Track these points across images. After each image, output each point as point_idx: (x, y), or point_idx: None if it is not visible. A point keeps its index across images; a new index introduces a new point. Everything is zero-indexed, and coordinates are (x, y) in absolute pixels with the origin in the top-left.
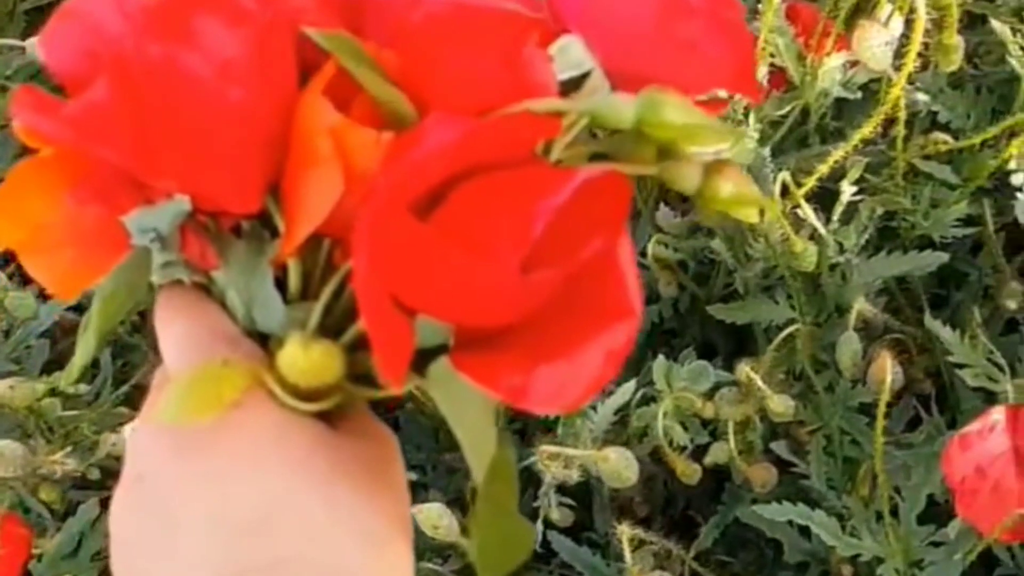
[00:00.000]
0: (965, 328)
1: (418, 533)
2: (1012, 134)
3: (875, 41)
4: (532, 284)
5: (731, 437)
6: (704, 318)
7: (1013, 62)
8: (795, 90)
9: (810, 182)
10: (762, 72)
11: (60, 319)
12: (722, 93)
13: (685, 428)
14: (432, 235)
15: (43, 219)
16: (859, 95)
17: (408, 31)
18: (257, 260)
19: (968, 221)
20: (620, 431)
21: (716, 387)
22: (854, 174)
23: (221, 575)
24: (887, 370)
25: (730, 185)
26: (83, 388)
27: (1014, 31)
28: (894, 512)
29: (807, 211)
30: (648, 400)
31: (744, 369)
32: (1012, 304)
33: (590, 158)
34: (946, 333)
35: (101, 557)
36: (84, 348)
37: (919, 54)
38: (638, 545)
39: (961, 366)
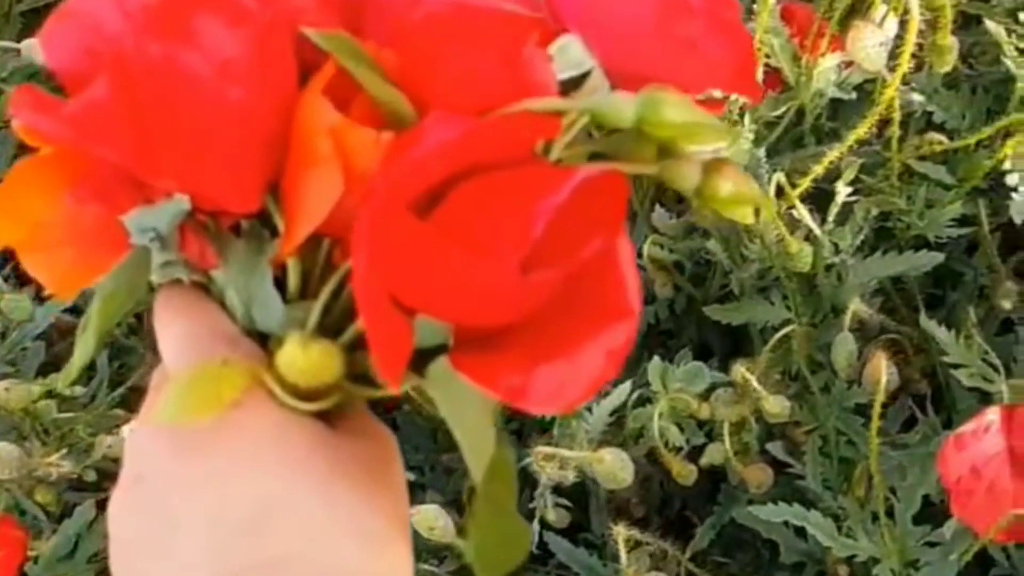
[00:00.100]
0: (961, 328)
1: (414, 534)
2: (1007, 134)
3: (869, 42)
4: (532, 284)
5: (727, 438)
6: (700, 319)
7: (1008, 62)
8: (790, 91)
9: (805, 183)
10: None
11: (56, 321)
12: (719, 93)
13: (681, 429)
14: (432, 234)
15: (42, 218)
16: (854, 96)
17: (408, 30)
18: (256, 259)
19: (963, 221)
20: (616, 432)
21: (712, 388)
22: (849, 175)
23: (220, 574)
24: (882, 371)
25: (729, 184)
26: (79, 390)
27: (1009, 31)
28: (890, 512)
29: (802, 212)
30: (644, 401)
31: (739, 370)
32: (1007, 304)
33: (589, 157)
34: (941, 333)
35: (97, 559)
36: (84, 348)
37: (914, 55)
38: (634, 546)
39: (956, 366)
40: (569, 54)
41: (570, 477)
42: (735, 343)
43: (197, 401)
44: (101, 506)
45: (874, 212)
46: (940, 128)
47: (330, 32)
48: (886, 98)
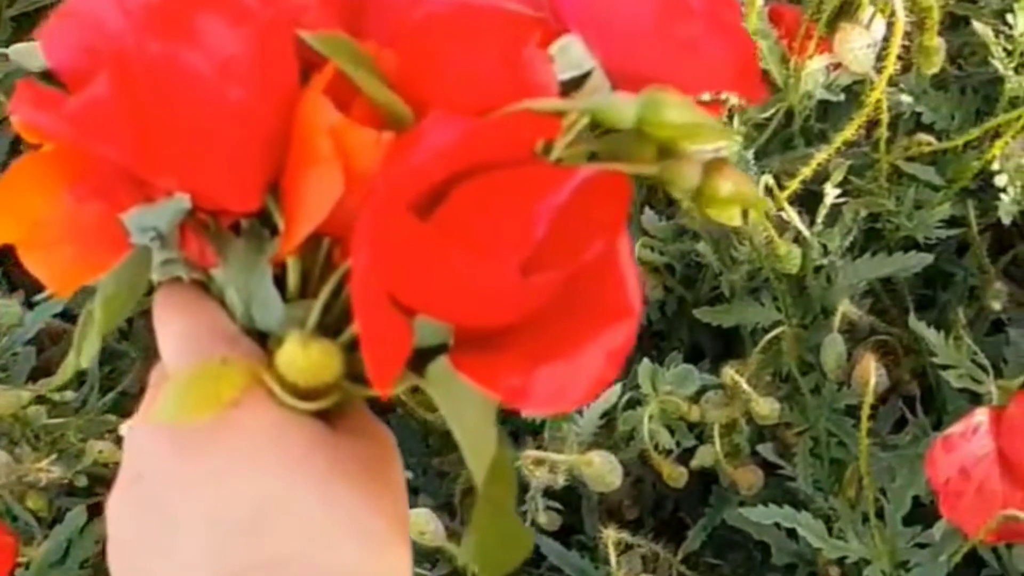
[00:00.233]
0: (951, 329)
1: None
2: (996, 135)
3: (856, 43)
4: (533, 285)
5: (717, 440)
6: (691, 321)
7: (996, 63)
8: (779, 92)
9: (793, 184)
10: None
11: (47, 326)
12: (721, 94)
13: (671, 431)
14: (432, 235)
15: (42, 215)
16: (843, 97)
17: (409, 30)
18: (256, 258)
19: (952, 222)
20: (606, 435)
21: (702, 390)
22: (837, 176)
23: (219, 574)
24: (871, 372)
25: (729, 184)
26: (70, 395)
27: (996, 32)
28: (880, 514)
29: (791, 214)
30: (634, 403)
31: (729, 372)
32: (997, 305)
33: (590, 157)
34: (930, 334)
35: (89, 564)
36: (87, 348)
37: (903, 56)
38: (625, 548)
39: (946, 367)
40: (570, 54)
41: (560, 480)
42: (726, 345)
43: (196, 400)
44: (92, 511)
45: (863, 213)
46: (929, 129)
47: (328, 34)
48: (872, 100)
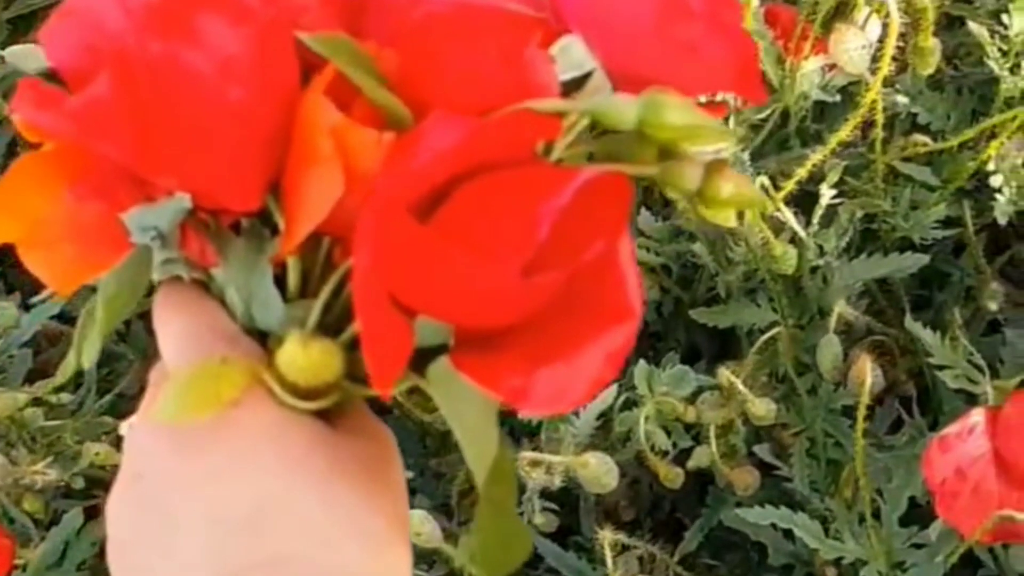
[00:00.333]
0: (947, 330)
1: None
2: (991, 135)
3: (852, 44)
4: (534, 286)
5: (713, 441)
6: (688, 321)
7: (991, 64)
8: (775, 93)
9: (789, 185)
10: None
11: (44, 328)
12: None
13: (668, 432)
14: (433, 236)
15: (42, 214)
16: (838, 98)
17: (409, 30)
18: (257, 258)
19: (948, 222)
20: (603, 436)
21: (698, 391)
22: (833, 177)
23: (219, 573)
24: (867, 372)
25: (731, 185)
26: (66, 397)
27: (992, 33)
28: (876, 514)
29: (787, 214)
30: (630, 405)
31: (724, 373)
32: (993, 305)
33: (590, 157)
34: (927, 335)
35: (85, 567)
36: (88, 349)
37: (899, 57)
38: (622, 549)
39: (942, 368)
40: (571, 55)
41: (556, 482)
42: (723, 345)
43: (196, 399)
44: (89, 514)
45: (859, 214)
46: (925, 130)
47: (327, 35)
48: (867, 101)
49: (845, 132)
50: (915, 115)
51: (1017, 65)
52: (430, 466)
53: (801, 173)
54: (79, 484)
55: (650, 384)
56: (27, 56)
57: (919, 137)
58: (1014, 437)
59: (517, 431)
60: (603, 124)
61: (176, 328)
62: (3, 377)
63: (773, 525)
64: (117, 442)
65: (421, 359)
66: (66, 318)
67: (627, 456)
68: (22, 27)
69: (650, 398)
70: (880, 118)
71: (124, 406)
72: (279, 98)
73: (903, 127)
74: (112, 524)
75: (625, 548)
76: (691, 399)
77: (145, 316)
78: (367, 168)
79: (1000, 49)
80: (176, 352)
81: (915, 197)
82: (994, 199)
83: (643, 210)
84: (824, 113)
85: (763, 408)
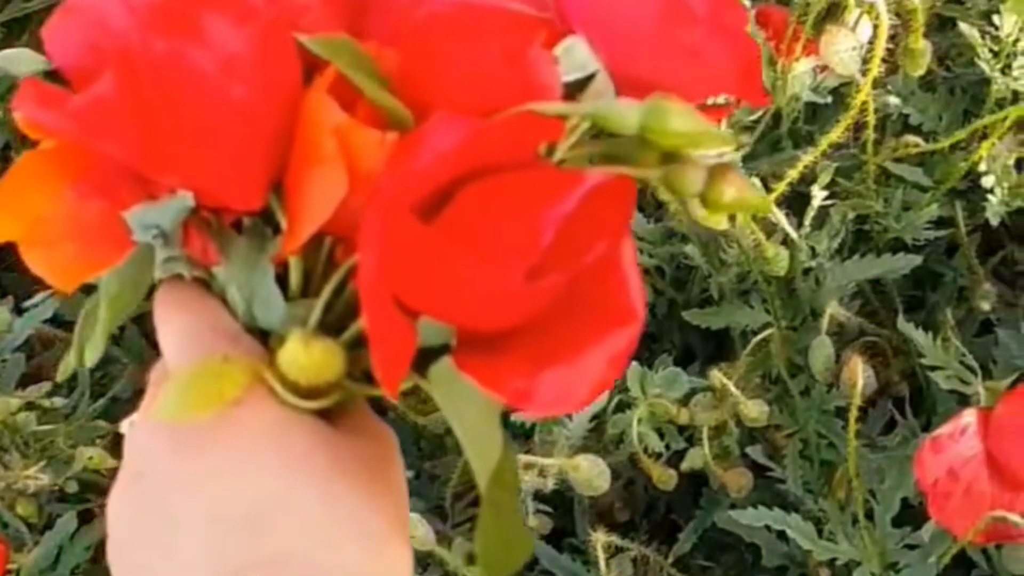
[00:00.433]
0: (939, 330)
1: None
2: (983, 136)
3: (842, 46)
4: (537, 289)
5: (706, 442)
6: (682, 323)
7: (982, 64)
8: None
9: (781, 187)
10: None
11: (37, 332)
12: (724, 99)
13: (661, 434)
14: (436, 237)
15: (44, 212)
16: (830, 100)
17: (411, 29)
18: (258, 257)
19: (941, 223)
20: (596, 438)
21: (691, 393)
22: (825, 178)
23: (219, 572)
24: (859, 374)
25: (733, 189)
26: (59, 402)
27: (983, 33)
28: (869, 515)
29: (779, 216)
30: (623, 407)
31: (717, 375)
32: (986, 305)
33: (593, 160)
34: (919, 336)
35: (79, 571)
36: (90, 349)
37: (891, 59)
38: (616, 551)
39: (935, 368)
40: (575, 56)
41: (550, 484)
42: (717, 347)
43: (197, 398)
44: (83, 518)
45: (851, 215)
46: (916, 130)
47: (328, 37)
48: (857, 103)
49: (836, 133)
50: (907, 116)
51: (1008, 66)
52: (425, 468)
53: (793, 174)
54: (73, 488)
55: (643, 386)
56: (20, 60)
57: (911, 138)
58: (1006, 438)
59: (511, 433)
60: (605, 128)
61: (177, 326)
62: None
63: (767, 526)
64: (111, 446)
65: (423, 359)
66: (60, 322)
67: (621, 458)
68: (16, 30)
69: (643, 400)
70: (872, 119)
71: (118, 410)
72: (282, 97)
73: (895, 128)
74: (112, 523)
75: (619, 550)
76: (684, 401)
77: (140, 320)
78: (370, 168)
79: (991, 50)
80: (177, 351)
81: (907, 198)
82: (986, 200)
83: (636, 212)
84: (816, 114)
85: (756, 410)
